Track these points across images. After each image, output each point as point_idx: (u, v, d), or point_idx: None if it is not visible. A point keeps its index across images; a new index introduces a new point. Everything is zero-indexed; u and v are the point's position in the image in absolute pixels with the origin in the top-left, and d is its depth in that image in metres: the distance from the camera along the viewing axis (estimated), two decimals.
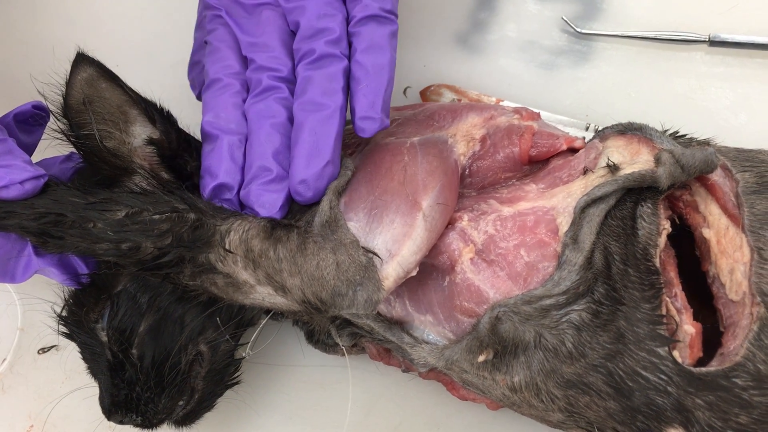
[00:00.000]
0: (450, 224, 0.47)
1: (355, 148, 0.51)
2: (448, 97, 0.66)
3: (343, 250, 0.44)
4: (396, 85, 0.66)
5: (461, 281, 0.45)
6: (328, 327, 0.50)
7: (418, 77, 0.67)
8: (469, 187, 0.50)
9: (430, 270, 0.47)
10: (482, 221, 0.46)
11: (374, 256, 0.44)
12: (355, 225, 0.45)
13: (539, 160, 0.51)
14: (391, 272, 0.44)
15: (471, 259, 0.45)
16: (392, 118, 0.53)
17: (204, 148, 0.49)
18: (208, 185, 0.48)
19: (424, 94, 0.67)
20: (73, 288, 0.51)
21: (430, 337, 0.47)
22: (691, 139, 0.51)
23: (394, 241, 0.44)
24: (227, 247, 0.43)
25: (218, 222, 0.44)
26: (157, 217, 0.43)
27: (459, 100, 0.65)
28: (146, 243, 0.43)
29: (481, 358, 0.44)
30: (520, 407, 0.48)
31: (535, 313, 0.43)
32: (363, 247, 0.44)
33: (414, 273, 0.45)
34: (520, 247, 0.45)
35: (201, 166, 0.49)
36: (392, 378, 0.58)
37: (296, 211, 0.47)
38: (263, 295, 0.45)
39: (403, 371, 0.54)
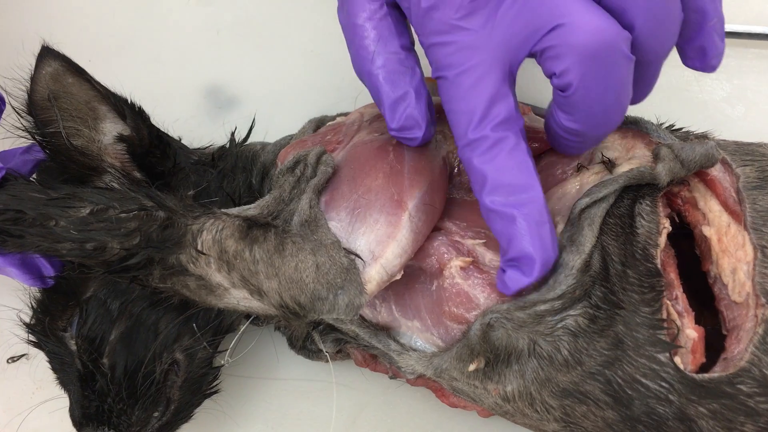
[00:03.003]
0: (442, 229, 0.45)
1: (337, 145, 0.48)
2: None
3: (323, 251, 0.42)
4: None
5: (450, 286, 0.43)
6: (306, 333, 0.48)
7: None
8: (458, 186, 0.48)
9: (418, 273, 0.45)
10: (473, 230, 0.44)
11: (356, 258, 0.42)
12: (337, 225, 0.43)
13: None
14: (374, 275, 0.42)
15: (461, 267, 0.43)
16: (374, 115, 0.51)
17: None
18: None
19: None
20: (39, 293, 0.49)
21: (418, 343, 0.45)
22: (688, 132, 0.50)
23: (377, 242, 0.42)
24: (199, 247, 0.41)
25: (189, 221, 0.42)
26: (123, 215, 0.41)
27: None
28: (112, 243, 0.40)
29: (472, 367, 0.42)
30: (513, 416, 0.46)
31: (529, 319, 0.41)
32: (345, 249, 0.42)
33: (398, 276, 0.43)
34: None
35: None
36: (379, 384, 0.57)
37: (274, 210, 0.45)
38: (238, 298, 0.42)
39: (390, 378, 0.52)
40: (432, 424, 0.56)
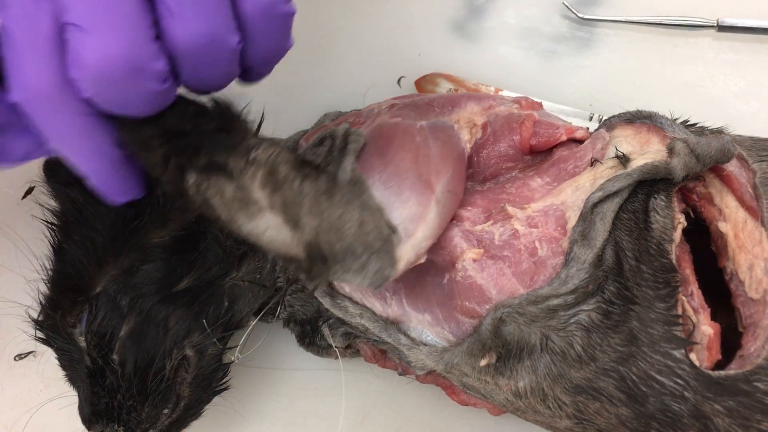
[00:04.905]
0: (455, 219, 0.44)
1: (360, 126, 0.48)
2: (444, 87, 0.64)
3: (368, 213, 0.40)
4: (390, 75, 0.66)
5: (462, 279, 0.43)
6: (316, 327, 0.47)
7: (412, 66, 0.65)
8: (470, 178, 0.48)
9: (429, 266, 0.44)
10: (488, 224, 0.44)
11: (394, 233, 0.40)
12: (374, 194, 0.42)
13: (540, 150, 0.48)
14: (405, 253, 0.41)
15: (474, 259, 0.43)
16: (392, 103, 0.51)
17: None
18: None
19: (420, 84, 0.65)
20: (48, 290, 0.49)
21: (429, 338, 0.45)
22: (702, 127, 0.49)
23: (410, 220, 0.41)
24: (251, 159, 0.38)
25: (247, 135, 0.40)
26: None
27: (456, 90, 0.63)
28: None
29: (483, 362, 0.42)
30: (524, 413, 0.45)
31: (542, 313, 0.40)
32: (388, 221, 0.41)
33: (423, 260, 0.42)
34: (527, 245, 0.43)
35: None
36: (389, 382, 0.56)
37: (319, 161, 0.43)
38: (268, 224, 0.39)
39: (400, 374, 0.52)
40: (442, 422, 0.56)
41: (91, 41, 0.34)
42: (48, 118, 0.36)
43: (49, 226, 0.51)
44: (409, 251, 0.41)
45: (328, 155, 0.43)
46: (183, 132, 0.38)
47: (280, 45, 0.41)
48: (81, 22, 0.34)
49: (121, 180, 0.41)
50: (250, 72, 0.42)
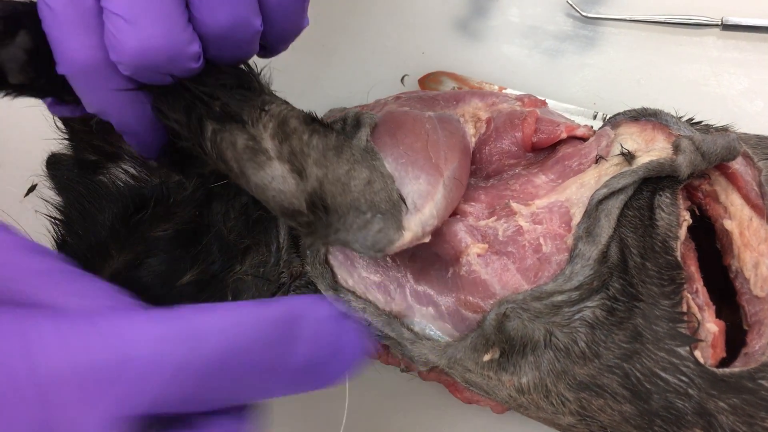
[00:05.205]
0: (459, 214, 0.45)
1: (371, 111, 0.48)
2: (448, 85, 0.64)
3: (378, 175, 0.40)
4: (394, 73, 0.65)
5: (467, 273, 0.42)
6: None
7: (416, 65, 0.65)
8: (474, 174, 0.48)
9: (434, 259, 0.44)
10: (491, 219, 0.44)
11: (404, 202, 0.41)
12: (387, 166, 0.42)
13: (542, 147, 0.48)
14: (412, 226, 0.40)
15: (478, 254, 0.42)
16: (397, 96, 0.51)
17: None
18: None
19: (423, 82, 0.64)
20: None
21: (432, 332, 0.45)
22: (708, 126, 0.49)
23: (419, 195, 0.41)
24: (265, 109, 0.40)
25: (265, 93, 0.42)
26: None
27: (460, 88, 0.63)
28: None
29: (486, 358, 0.41)
30: (527, 410, 0.45)
31: (546, 309, 0.40)
32: (397, 189, 0.41)
33: (427, 240, 0.42)
34: (531, 241, 0.42)
35: None
36: (391, 381, 0.56)
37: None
38: (275, 174, 0.39)
39: (402, 370, 0.52)
40: (446, 421, 0.55)
41: (132, 32, 0.36)
42: (91, 90, 0.39)
43: (52, 221, 0.50)
44: (416, 224, 0.40)
45: (340, 132, 0.43)
46: (205, 86, 0.40)
47: (297, 25, 0.43)
48: (122, 12, 0.36)
49: (158, 138, 0.44)
50: (269, 49, 0.44)
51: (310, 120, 0.41)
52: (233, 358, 0.29)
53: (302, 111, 0.42)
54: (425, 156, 0.43)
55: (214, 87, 0.40)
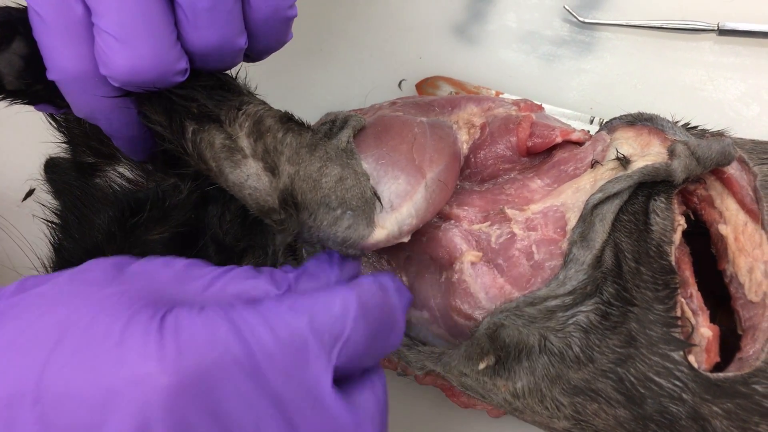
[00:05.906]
0: (453, 219, 0.45)
1: (363, 116, 0.48)
2: (445, 89, 0.64)
3: (351, 172, 0.41)
4: (391, 78, 0.66)
5: (458, 281, 0.43)
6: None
7: (413, 69, 0.65)
8: (468, 179, 0.48)
9: (429, 263, 0.44)
10: (485, 225, 0.44)
11: (378, 200, 0.41)
12: (365, 166, 0.43)
13: (537, 152, 0.48)
14: (387, 224, 0.41)
15: (472, 262, 0.43)
16: (393, 101, 0.51)
17: None
18: None
19: (421, 86, 0.65)
20: None
21: (427, 337, 0.45)
22: (704, 130, 0.49)
23: (397, 195, 0.41)
24: (241, 110, 0.41)
25: (243, 94, 0.43)
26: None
27: (457, 93, 0.63)
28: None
29: (482, 366, 0.42)
30: (522, 414, 0.45)
31: (540, 315, 0.40)
32: (372, 187, 0.42)
33: (405, 239, 0.42)
34: (523, 248, 0.43)
35: None
36: (389, 383, 0.56)
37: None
38: (250, 171, 0.40)
39: (399, 374, 0.52)
40: (441, 425, 0.55)
41: (122, 50, 0.37)
42: (79, 96, 0.40)
43: (50, 224, 0.51)
44: (392, 224, 0.41)
45: (327, 133, 0.44)
46: (184, 89, 0.40)
47: (280, 40, 0.44)
48: (113, 31, 0.37)
49: (145, 141, 0.44)
50: (252, 58, 0.45)
51: (286, 119, 0.42)
52: (379, 323, 0.36)
53: (279, 111, 0.42)
54: (408, 158, 0.43)
55: (193, 89, 0.41)
